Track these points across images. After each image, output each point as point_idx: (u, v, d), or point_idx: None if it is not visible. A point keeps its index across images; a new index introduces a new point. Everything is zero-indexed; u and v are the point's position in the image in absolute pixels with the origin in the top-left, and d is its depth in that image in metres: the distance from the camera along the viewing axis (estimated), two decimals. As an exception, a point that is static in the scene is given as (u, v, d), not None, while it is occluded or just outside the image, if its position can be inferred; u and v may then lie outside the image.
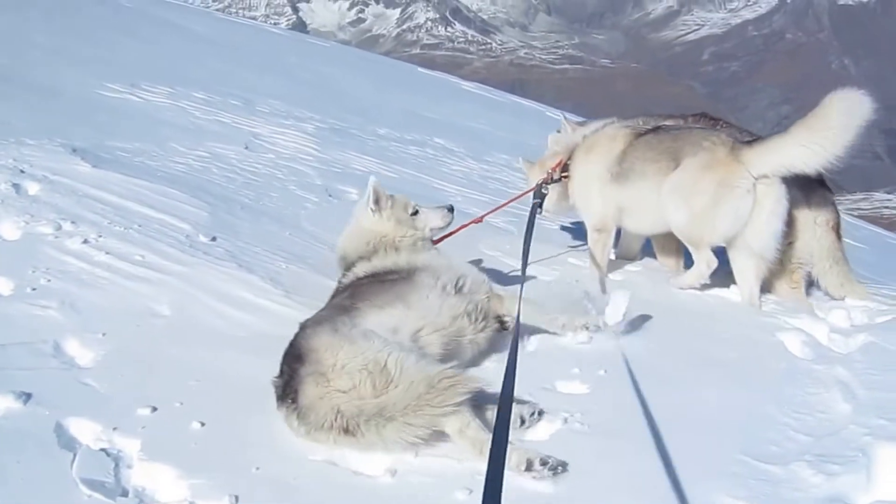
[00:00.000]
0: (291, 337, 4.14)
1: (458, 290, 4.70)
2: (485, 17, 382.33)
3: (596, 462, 3.66)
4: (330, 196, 7.86)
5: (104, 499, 3.25)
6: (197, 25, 23.08)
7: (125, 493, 3.33)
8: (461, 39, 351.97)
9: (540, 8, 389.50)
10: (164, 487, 3.41)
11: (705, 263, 5.93)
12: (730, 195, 5.67)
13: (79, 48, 14.25)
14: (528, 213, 6.03)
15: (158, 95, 11.34)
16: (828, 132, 5.33)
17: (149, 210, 6.21)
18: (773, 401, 4.35)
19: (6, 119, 8.22)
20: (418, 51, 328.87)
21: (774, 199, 5.69)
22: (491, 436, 3.00)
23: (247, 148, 9.21)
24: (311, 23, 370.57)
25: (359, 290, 4.53)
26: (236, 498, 3.31)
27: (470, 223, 6.25)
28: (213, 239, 5.90)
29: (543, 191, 6.48)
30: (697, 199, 5.77)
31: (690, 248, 6.03)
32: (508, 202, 7.02)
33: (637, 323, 5.14)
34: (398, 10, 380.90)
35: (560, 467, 3.54)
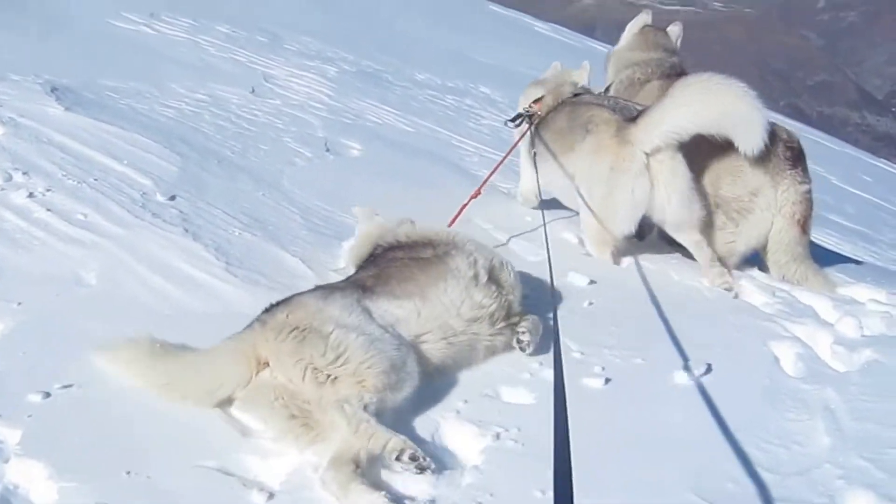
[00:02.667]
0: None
1: (493, 281, 4.53)
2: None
3: (517, 489, 3.45)
4: (327, 151, 7.68)
5: (-27, 495, 3.12)
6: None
7: (-5, 491, 3.19)
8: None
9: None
10: (36, 488, 3.28)
11: (610, 256, 5.96)
12: (622, 179, 5.65)
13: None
14: None
15: (176, 28, 11.24)
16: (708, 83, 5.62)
17: (112, 161, 6.12)
18: (745, 426, 4.07)
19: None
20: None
21: (669, 173, 5.67)
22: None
23: (253, 91, 9.06)
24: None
25: (386, 270, 4.42)
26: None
27: (469, 201, 6.09)
28: (172, 198, 5.77)
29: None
30: (594, 189, 5.79)
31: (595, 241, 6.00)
32: (500, 163, 6.71)
33: (606, 316, 4.94)
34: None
35: (428, 470, 3.40)
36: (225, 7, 13.61)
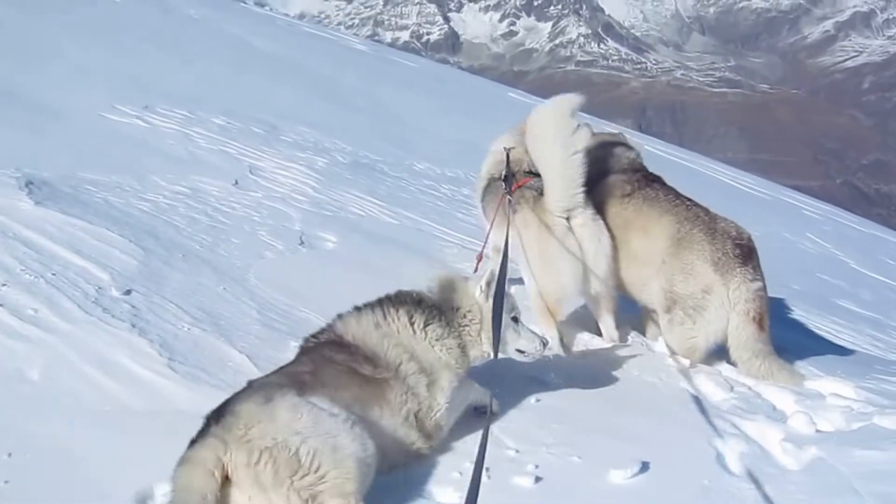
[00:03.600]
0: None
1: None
2: (637, 34, 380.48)
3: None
4: (301, 244, 7.81)
5: None
6: (261, 40, 23.34)
7: None
8: (615, 57, 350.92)
9: (693, 27, 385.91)
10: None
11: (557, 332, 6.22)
12: (551, 244, 6.15)
13: (109, 63, 14.53)
14: None
15: (169, 120, 11.47)
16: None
17: (73, 256, 6.26)
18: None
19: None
20: (573, 67, 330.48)
21: (593, 237, 6.29)
22: None
23: (236, 184, 9.23)
24: (464, 34, 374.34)
25: (322, 370, 4.46)
26: None
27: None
28: (127, 292, 5.90)
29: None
30: (532, 262, 6.26)
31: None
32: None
33: (551, 412, 5.02)
34: (549, 24, 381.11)
35: None
36: (224, 98, 13.96)
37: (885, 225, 26.71)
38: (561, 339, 6.22)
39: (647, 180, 6.91)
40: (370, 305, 4.91)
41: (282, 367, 4.57)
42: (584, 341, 6.60)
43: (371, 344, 4.69)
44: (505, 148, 6.95)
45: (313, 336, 4.81)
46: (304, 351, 4.75)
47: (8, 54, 13.01)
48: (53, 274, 5.91)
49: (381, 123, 16.46)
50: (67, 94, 11.60)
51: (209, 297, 6.17)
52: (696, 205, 6.63)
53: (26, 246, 6.24)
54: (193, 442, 3.90)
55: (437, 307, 4.94)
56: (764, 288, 6.27)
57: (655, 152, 19.15)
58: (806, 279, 12.78)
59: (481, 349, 4.97)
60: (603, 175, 6.81)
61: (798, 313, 9.67)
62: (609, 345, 6.53)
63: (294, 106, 15.56)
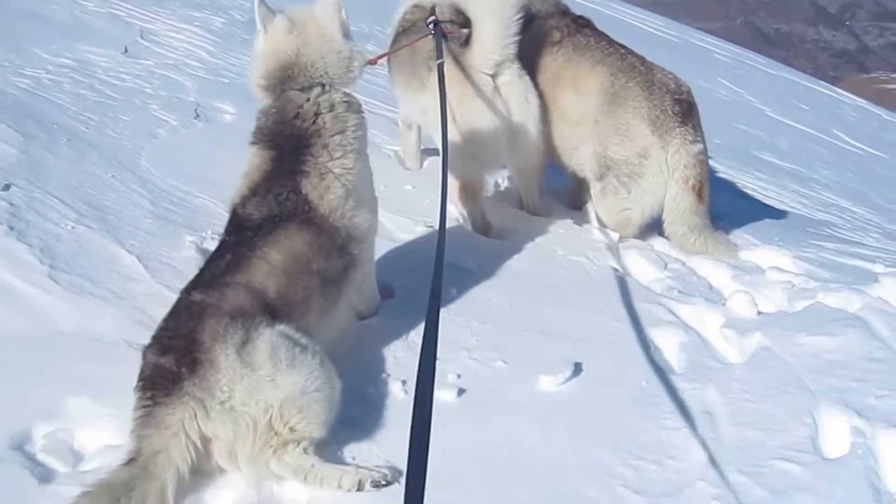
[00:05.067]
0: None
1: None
2: None
3: None
4: (196, 118, 7.38)
5: None
6: None
7: None
8: None
9: None
10: None
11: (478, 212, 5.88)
12: (475, 105, 5.56)
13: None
14: None
15: (52, -20, 10.72)
16: None
17: (-58, 148, 5.79)
18: (613, 439, 3.96)
19: None
20: None
21: (520, 97, 5.69)
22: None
23: (125, 52, 8.67)
24: None
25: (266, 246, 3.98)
26: None
27: None
28: (6, 188, 5.45)
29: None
30: (453, 125, 5.44)
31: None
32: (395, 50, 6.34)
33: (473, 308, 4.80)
34: None
35: (395, 483, 3.47)
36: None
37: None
38: (483, 219, 5.90)
39: (577, 25, 6.32)
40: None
41: (220, 268, 3.95)
42: (507, 217, 6.28)
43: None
44: None
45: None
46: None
47: None
48: (-79, 169, 5.46)
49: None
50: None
51: (97, 188, 5.77)
52: (632, 53, 6.10)
53: None
54: (153, 389, 3.45)
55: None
56: (705, 151, 5.89)
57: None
58: (726, 131, 12.48)
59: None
60: (527, 21, 6.02)
61: (723, 171, 9.51)
62: (533, 220, 6.21)
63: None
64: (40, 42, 8.35)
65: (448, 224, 5.87)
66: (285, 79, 4.32)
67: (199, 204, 5.82)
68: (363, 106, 4.51)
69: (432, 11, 6.04)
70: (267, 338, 3.58)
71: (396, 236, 5.74)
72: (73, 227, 5.21)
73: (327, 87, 4.32)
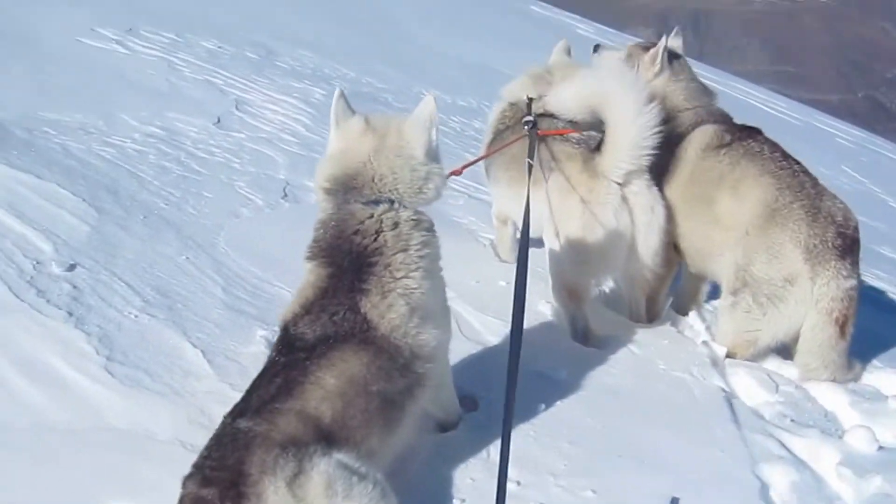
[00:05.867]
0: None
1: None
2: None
3: None
4: (284, 198, 7.09)
5: None
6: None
7: None
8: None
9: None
10: None
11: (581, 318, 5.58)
12: (602, 213, 5.32)
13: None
14: None
15: (153, 46, 10.72)
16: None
17: (13, 220, 5.58)
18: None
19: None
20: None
21: (646, 207, 5.45)
22: None
23: (218, 122, 8.50)
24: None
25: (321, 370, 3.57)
26: None
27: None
28: (71, 268, 5.21)
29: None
30: (565, 229, 5.42)
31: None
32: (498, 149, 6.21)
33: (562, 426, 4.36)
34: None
35: None
36: (217, 19, 13.11)
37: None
38: (585, 326, 5.50)
39: (749, 131, 5.93)
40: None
41: (270, 392, 3.53)
42: (606, 322, 5.85)
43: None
44: (528, 97, 6.16)
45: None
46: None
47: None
48: (-14, 245, 5.24)
49: (386, 43, 15.56)
50: (44, 16, 10.81)
51: (167, 271, 5.48)
52: (805, 172, 5.62)
53: (-40, 208, 5.58)
54: None
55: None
56: (858, 287, 5.35)
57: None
58: (846, 224, 11.78)
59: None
60: (673, 132, 5.83)
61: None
62: (634, 327, 5.78)
63: (293, 24, 14.62)
64: (131, 108, 8.23)
65: (542, 327, 5.54)
66: (350, 188, 3.96)
67: (274, 293, 5.48)
68: (434, 225, 4.11)
69: (528, 110, 6.02)
70: (322, 469, 3.16)
71: (484, 338, 5.32)
72: (136, 316, 4.90)
73: (396, 205, 3.95)
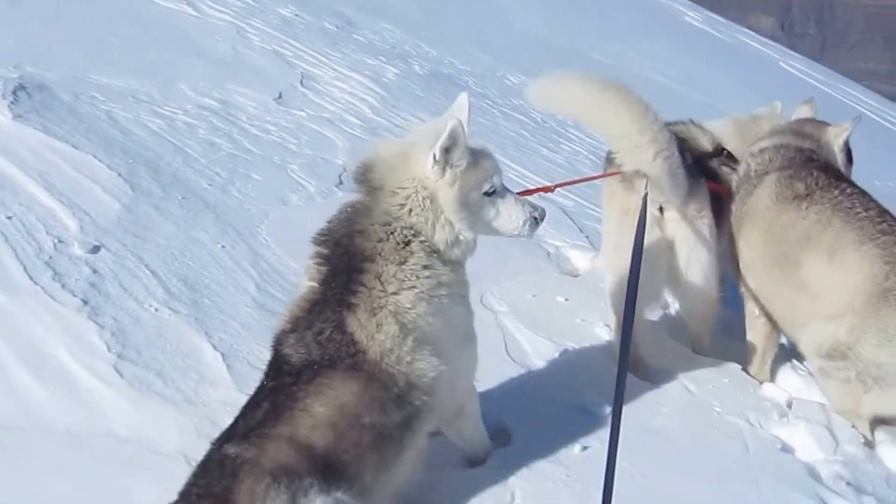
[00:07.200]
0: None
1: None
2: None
3: None
4: (339, 185, 6.83)
5: None
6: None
7: None
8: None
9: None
10: None
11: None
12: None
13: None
14: None
15: (225, 9, 10.55)
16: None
17: (41, 192, 5.43)
18: None
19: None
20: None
21: (690, 233, 5.15)
22: None
23: (279, 98, 8.29)
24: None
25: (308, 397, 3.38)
26: None
27: (537, 190, 5.19)
28: (95, 250, 5.02)
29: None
30: (608, 239, 5.39)
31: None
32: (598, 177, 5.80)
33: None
34: None
35: None
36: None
37: None
38: (635, 355, 5.12)
39: (829, 177, 5.23)
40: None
41: (257, 417, 3.37)
42: (665, 350, 5.48)
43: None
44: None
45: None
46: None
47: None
48: (9, 217, 5.11)
49: (479, 23, 15.22)
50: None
51: (199, 260, 5.26)
52: None
53: (-13, 176, 5.42)
54: None
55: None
56: None
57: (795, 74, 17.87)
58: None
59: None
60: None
61: None
62: (694, 360, 5.40)
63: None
64: (189, 76, 8.07)
65: (594, 352, 5.23)
66: (385, 193, 3.69)
67: (310, 292, 5.22)
68: (461, 261, 3.80)
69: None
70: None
71: (530, 361, 4.97)
72: (156, 309, 4.68)
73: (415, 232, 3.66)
